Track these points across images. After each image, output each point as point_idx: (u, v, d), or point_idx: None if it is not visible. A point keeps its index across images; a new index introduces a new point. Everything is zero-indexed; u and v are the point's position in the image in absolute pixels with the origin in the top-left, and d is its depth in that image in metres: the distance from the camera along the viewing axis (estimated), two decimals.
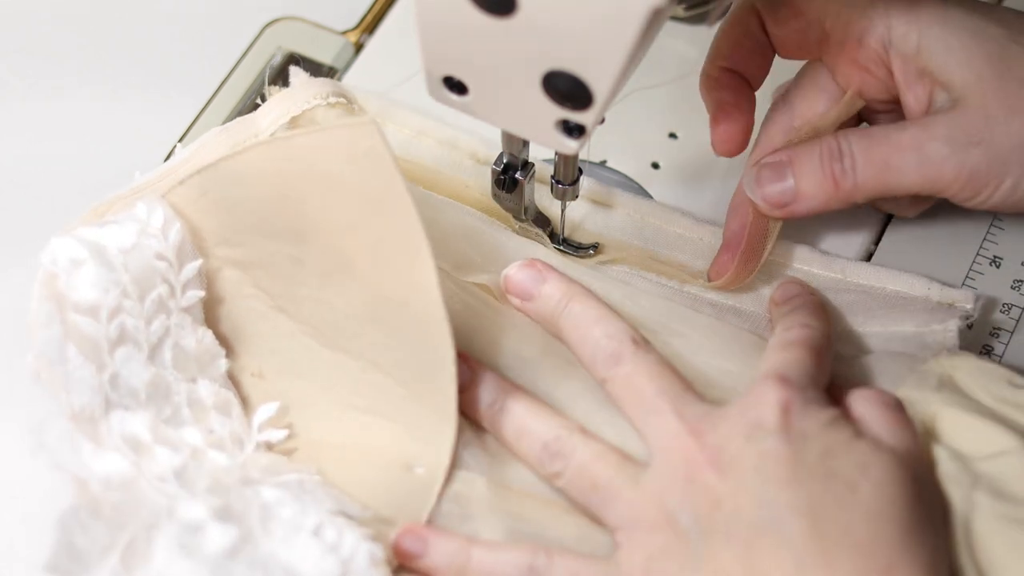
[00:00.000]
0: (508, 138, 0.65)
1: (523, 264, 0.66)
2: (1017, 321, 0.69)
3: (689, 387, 0.62)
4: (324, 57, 0.79)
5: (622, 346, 0.62)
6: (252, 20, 0.80)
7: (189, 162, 0.65)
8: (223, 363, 0.64)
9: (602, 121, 0.59)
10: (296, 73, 0.68)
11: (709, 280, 0.69)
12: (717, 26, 0.67)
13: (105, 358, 0.60)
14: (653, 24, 0.53)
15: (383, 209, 0.60)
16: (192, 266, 0.63)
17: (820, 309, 0.66)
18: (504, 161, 0.67)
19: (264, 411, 0.63)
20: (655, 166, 0.76)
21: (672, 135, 0.77)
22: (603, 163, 0.75)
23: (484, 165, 0.73)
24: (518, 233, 0.71)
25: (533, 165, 0.67)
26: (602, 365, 0.62)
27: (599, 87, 0.56)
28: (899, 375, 0.64)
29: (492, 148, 0.72)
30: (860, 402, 0.61)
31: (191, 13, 0.82)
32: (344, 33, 0.81)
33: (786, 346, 0.62)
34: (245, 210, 0.63)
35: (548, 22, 0.54)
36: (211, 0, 0.82)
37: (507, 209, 0.69)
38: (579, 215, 0.71)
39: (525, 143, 0.65)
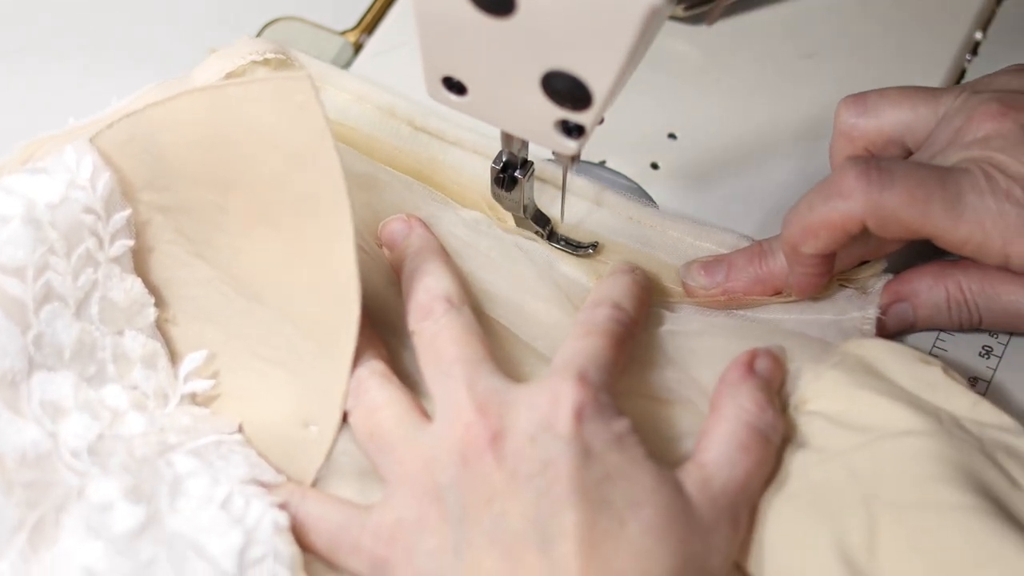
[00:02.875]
0: (507, 137, 0.65)
1: (397, 217, 0.68)
2: None
3: (491, 357, 0.61)
4: (324, 57, 0.79)
5: (434, 302, 0.62)
6: (252, 20, 0.81)
7: (122, 111, 0.65)
8: (151, 311, 0.64)
9: (601, 121, 0.59)
10: (241, 38, 0.68)
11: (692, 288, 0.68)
12: (716, 25, 0.67)
13: (31, 318, 0.60)
14: (652, 24, 0.53)
15: (309, 165, 0.60)
16: (120, 216, 0.63)
17: (639, 289, 0.65)
18: (503, 159, 0.67)
19: (191, 361, 0.64)
20: (654, 166, 0.76)
21: (671, 135, 0.77)
22: (602, 163, 0.76)
23: (420, 132, 0.73)
24: (513, 231, 0.71)
25: (532, 163, 0.67)
26: (412, 318, 0.63)
27: (598, 87, 0.56)
28: (811, 356, 0.64)
29: (429, 116, 0.73)
30: (728, 373, 0.61)
31: (191, 13, 0.82)
32: (343, 33, 0.81)
33: (590, 331, 0.61)
34: (172, 156, 0.63)
35: (547, 22, 0.54)
36: (211, 0, 0.82)
37: (507, 208, 0.69)
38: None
39: (524, 142, 0.65)
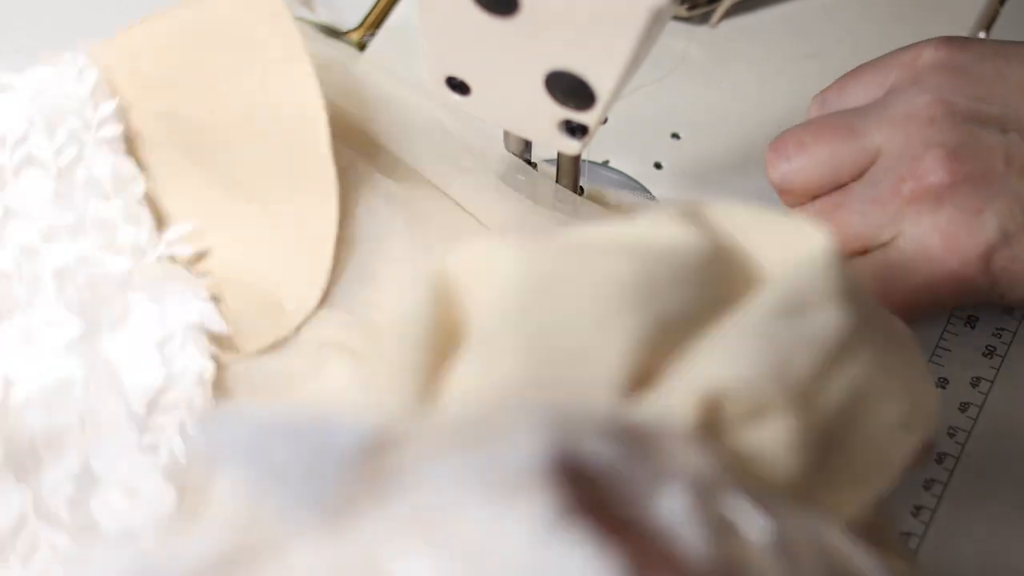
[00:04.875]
0: (510, 138, 0.65)
1: None
2: (1020, 322, 0.69)
3: None
4: None
5: None
6: None
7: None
8: (140, 186, 0.63)
9: (604, 121, 0.59)
10: None
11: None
12: (719, 25, 0.67)
13: (7, 177, 0.61)
14: (656, 24, 0.53)
15: (284, 71, 0.62)
16: (109, 104, 0.63)
17: None
18: None
19: (177, 229, 0.62)
20: (658, 166, 0.76)
21: (675, 135, 0.76)
22: (605, 163, 0.75)
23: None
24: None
25: (535, 165, 0.67)
26: None
27: (601, 87, 0.56)
28: None
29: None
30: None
31: None
32: (346, 33, 0.80)
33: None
34: (153, 69, 0.64)
35: (550, 22, 0.54)
36: None
37: None
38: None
39: (527, 144, 0.65)
